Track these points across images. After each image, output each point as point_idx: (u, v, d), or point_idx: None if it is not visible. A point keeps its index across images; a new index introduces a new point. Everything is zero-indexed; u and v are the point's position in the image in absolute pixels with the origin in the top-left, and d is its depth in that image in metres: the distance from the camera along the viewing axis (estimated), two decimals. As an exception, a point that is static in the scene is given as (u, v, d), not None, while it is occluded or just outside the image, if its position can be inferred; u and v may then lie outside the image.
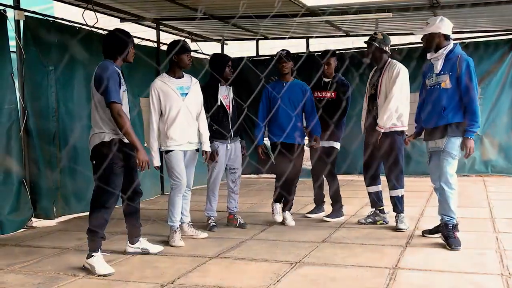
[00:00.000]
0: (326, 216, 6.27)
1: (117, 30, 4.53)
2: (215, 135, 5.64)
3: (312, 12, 8.12)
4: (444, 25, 4.86)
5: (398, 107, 5.45)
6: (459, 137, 4.78)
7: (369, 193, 5.94)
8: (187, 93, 5.25)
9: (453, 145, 4.79)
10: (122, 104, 4.28)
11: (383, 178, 5.86)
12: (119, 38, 4.43)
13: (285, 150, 5.72)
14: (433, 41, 4.89)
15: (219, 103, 5.70)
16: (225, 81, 5.81)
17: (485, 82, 9.38)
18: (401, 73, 5.47)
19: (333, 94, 6.19)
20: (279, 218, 6.04)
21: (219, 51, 10.54)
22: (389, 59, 5.65)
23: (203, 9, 8.24)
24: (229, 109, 5.81)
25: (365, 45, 5.73)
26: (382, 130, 5.50)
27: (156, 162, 5.19)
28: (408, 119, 5.66)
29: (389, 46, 5.66)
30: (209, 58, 6.13)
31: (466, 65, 4.73)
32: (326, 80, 6.25)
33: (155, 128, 5.20)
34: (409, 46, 9.80)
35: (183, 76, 5.33)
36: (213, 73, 5.75)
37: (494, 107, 9.50)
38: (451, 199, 4.85)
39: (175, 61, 5.23)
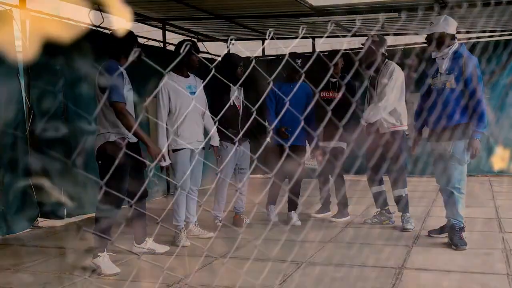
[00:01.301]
0: (332, 216, 6.27)
1: (120, 29, 4.52)
2: (225, 136, 5.63)
3: (319, 12, 8.11)
4: (448, 24, 4.82)
5: (387, 106, 5.43)
6: (465, 139, 4.76)
7: (373, 194, 5.94)
8: (195, 92, 5.25)
9: (460, 149, 4.76)
10: (125, 103, 4.28)
11: (386, 179, 5.85)
12: (122, 38, 4.43)
13: (291, 152, 5.69)
14: (437, 41, 4.86)
15: (231, 103, 5.70)
16: (236, 82, 5.79)
17: (492, 82, 9.36)
18: (394, 73, 5.45)
19: (340, 94, 6.18)
20: (274, 219, 6.06)
21: (225, 51, 10.51)
22: (386, 60, 5.63)
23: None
24: (240, 109, 5.80)
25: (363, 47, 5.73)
26: (365, 124, 5.54)
27: (167, 161, 5.17)
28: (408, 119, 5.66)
29: (385, 48, 5.64)
30: (220, 59, 6.09)
31: (472, 65, 4.70)
32: (333, 80, 6.24)
33: (164, 125, 5.17)
34: (416, 46, 9.77)
35: (189, 76, 5.34)
36: (224, 73, 5.71)
37: (501, 107, 9.48)
38: (459, 203, 4.83)
39: (185, 61, 5.20)
